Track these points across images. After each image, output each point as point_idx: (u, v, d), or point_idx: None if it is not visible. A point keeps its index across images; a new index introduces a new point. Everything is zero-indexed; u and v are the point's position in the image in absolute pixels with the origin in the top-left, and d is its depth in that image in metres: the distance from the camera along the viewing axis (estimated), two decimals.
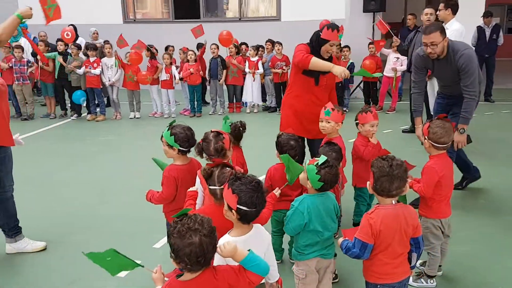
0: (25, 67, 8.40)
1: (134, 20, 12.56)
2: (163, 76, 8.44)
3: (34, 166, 5.76)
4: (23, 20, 3.23)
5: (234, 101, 9.05)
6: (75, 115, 8.56)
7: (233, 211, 1.96)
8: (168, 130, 2.79)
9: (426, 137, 2.87)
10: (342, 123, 3.47)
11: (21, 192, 3.67)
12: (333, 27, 3.75)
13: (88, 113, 8.52)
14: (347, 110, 8.82)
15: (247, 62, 8.72)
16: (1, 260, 3.47)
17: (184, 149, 2.78)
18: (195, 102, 8.69)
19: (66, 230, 3.91)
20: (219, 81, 8.69)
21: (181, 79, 8.52)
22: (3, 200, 3.39)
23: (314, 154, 4.04)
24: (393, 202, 2.15)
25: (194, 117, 8.58)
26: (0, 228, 3.50)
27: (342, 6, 10.76)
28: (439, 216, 2.88)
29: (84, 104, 8.42)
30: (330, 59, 3.92)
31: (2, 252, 3.53)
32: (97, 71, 8.07)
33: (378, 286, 2.21)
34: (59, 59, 8.28)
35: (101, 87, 8.31)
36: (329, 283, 2.63)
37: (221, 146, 2.69)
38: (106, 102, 8.73)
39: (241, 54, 9.00)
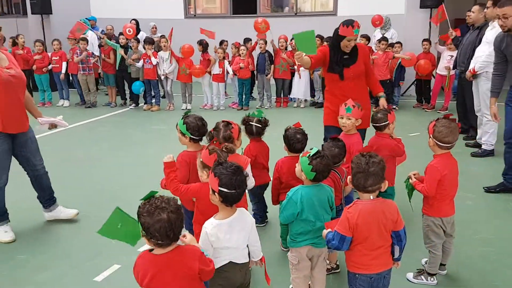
0: (90, 58, 9.13)
1: (194, 15, 13.07)
2: (216, 70, 8.78)
3: (86, 148, 6.35)
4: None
5: (282, 95, 9.23)
6: (133, 104, 9.18)
7: (216, 193, 2.17)
8: (182, 119, 3.05)
9: (431, 135, 2.91)
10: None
11: (67, 169, 4.11)
12: (348, 23, 3.97)
13: (144, 103, 9.10)
14: (396, 108, 8.69)
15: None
16: (30, 231, 3.86)
17: (194, 137, 3.03)
18: (243, 96, 8.97)
19: (98, 206, 4.21)
20: (266, 76, 8.90)
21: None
22: (36, 177, 3.80)
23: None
24: (371, 197, 2.25)
25: (241, 110, 8.87)
26: (37, 199, 3.95)
27: (402, 1, 10.52)
28: (440, 214, 2.91)
29: (142, 95, 9.02)
30: (353, 54, 4.11)
31: (33, 224, 3.97)
32: (154, 61, 8.58)
33: (357, 276, 2.32)
34: (121, 51, 8.90)
35: (157, 79, 8.84)
36: (323, 270, 2.77)
37: (228, 134, 2.91)
38: (161, 94, 9.26)
39: (292, 49, 9.16)
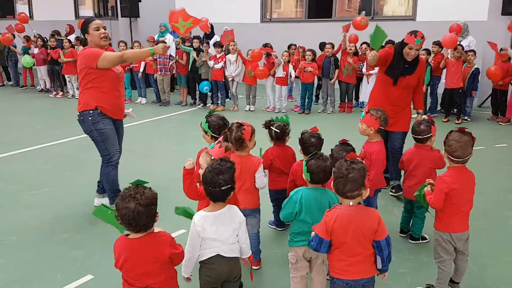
0: (168, 60, 9.78)
1: (270, 20, 13.35)
2: (279, 73, 8.95)
3: (149, 141, 6.84)
4: (155, 55, 4.09)
5: (346, 100, 9.13)
6: (201, 104, 9.66)
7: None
8: (205, 118, 3.26)
9: (444, 148, 2.82)
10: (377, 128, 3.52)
11: (127, 159, 4.46)
12: (413, 32, 4.26)
13: (211, 103, 9.53)
14: (468, 119, 8.20)
15: (365, 63, 8.74)
16: (79, 213, 4.24)
17: (216, 135, 3.22)
18: (306, 100, 9.02)
19: None
20: (330, 80, 8.87)
21: (297, 77, 8.97)
22: (108, 168, 4.13)
23: (391, 144, 4.59)
24: (351, 203, 2.26)
25: (303, 114, 8.93)
26: (97, 182, 4.36)
27: (485, 7, 9.87)
28: (449, 230, 2.80)
29: (209, 94, 9.47)
30: (413, 65, 4.38)
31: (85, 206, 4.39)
32: (219, 65, 8.98)
33: (334, 280, 2.35)
34: (193, 54, 9.43)
35: (224, 80, 9.22)
36: (321, 273, 2.79)
37: (239, 136, 3.05)
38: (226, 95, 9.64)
39: (360, 53, 9.05)
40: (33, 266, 3.33)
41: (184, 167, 2.71)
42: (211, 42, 10.22)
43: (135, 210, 1.93)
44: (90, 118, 3.94)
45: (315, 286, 2.85)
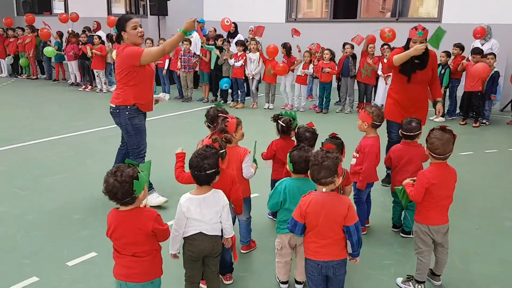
0: (192, 58, 10.08)
1: (295, 20, 13.49)
2: (299, 72, 9.11)
3: (164, 137, 7.12)
4: (187, 32, 4.17)
5: (365, 101, 9.19)
6: (222, 101, 9.91)
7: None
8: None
9: (426, 147, 2.94)
10: (371, 123, 3.66)
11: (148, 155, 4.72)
12: (414, 27, 4.42)
13: (232, 101, 9.78)
14: (487, 123, 8.13)
15: (380, 64, 8.78)
16: (88, 201, 4.57)
17: (210, 125, 3.46)
18: (324, 99, 9.14)
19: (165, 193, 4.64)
20: (351, 77, 8.96)
21: (316, 77, 9.10)
22: (138, 159, 4.32)
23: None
24: (324, 190, 2.43)
25: (320, 113, 9.05)
26: None
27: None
28: (427, 222, 2.92)
29: (230, 91, 9.71)
30: (424, 60, 4.48)
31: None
32: (239, 63, 9.21)
33: (307, 261, 2.52)
34: (216, 51, 9.69)
35: (244, 78, 9.45)
36: (304, 257, 2.96)
37: (222, 128, 3.22)
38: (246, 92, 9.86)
39: (382, 55, 9.09)
40: (45, 242, 3.63)
41: (176, 153, 2.95)
42: (234, 40, 10.46)
43: (112, 185, 2.17)
44: (127, 113, 4.13)
45: (298, 271, 3.03)
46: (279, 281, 3.07)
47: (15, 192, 4.66)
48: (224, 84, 9.46)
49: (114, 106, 4.17)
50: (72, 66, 11.91)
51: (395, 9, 12.17)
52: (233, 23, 11.24)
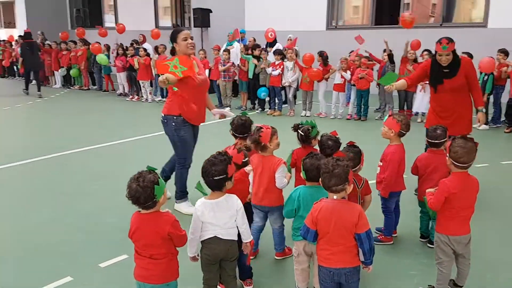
0: (231, 67, 10.30)
1: (335, 27, 13.45)
2: (337, 79, 9.09)
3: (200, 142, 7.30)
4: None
5: (405, 108, 9.01)
6: (260, 109, 10.06)
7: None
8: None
9: (448, 154, 2.89)
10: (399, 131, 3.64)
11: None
12: (438, 40, 4.40)
13: (269, 108, 9.89)
14: None
15: None
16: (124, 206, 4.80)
17: (235, 134, 3.60)
18: (362, 107, 9.05)
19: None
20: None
21: (353, 84, 9.04)
22: (182, 170, 4.51)
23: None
24: (335, 197, 2.46)
25: (358, 121, 8.97)
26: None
27: None
28: (447, 232, 2.87)
29: (267, 99, 9.84)
30: (453, 68, 4.44)
31: None
32: (277, 72, 9.32)
33: (320, 268, 2.56)
34: (254, 61, 9.86)
35: (281, 86, 9.54)
36: None
37: (255, 138, 3.32)
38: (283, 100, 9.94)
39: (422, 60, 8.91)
40: (80, 244, 3.87)
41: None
42: (273, 49, 10.58)
43: (135, 189, 2.31)
44: (173, 124, 4.29)
45: (316, 278, 3.05)
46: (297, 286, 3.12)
47: (57, 197, 4.97)
48: (262, 93, 9.59)
49: (163, 115, 4.37)
50: (121, 77, 12.47)
51: (441, 14, 11.86)
52: (273, 32, 11.38)
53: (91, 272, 3.41)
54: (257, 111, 10.11)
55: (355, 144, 3.27)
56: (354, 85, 9.04)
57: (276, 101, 9.76)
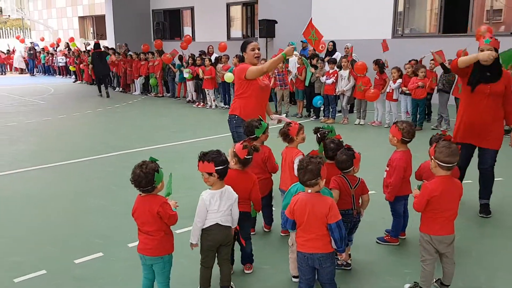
0: (287, 76, 10.69)
1: (402, 35, 13.28)
2: (388, 88, 9.10)
3: None
4: (287, 57, 4.74)
5: None
6: (314, 117, 10.32)
7: (213, 174, 3.07)
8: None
9: (432, 157, 3.04)
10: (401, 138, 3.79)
11: None
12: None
13: (323, 116, 10.11)
14: None
15: None
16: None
17: (246, 134, 4.03)
18: (417, 116, 8.95)
19: None
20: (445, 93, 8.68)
21: (408, 93, 8.99)
22: None
23: (481, 162, 4.61)
24: (309, 191, 2.75)
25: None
26: None
27: None
28: (429, 232, 3.01)
29: (322, 107, 10.08)
30: (496, 74, 4.32)
31: None
32: (330, 80, 9.54)
33: (298, 253, 2.86)
34: (311, 69, 10.15)
35: (335, 94, 9.73)
36: None
37: (284, 131, 3.84)
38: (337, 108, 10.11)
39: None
40: (118, 228, 4.45)
41: None
42: (336, 57, 10.79)
43: (138, 174, 2.79)
44: (234, 122, 4.76)
45: (292, 265, 3.37)
46: (292, 275, 3.41)
47: (111, 188, 5.68)
48: (318, 101, 9.85)
49: (228, 115, 4.91)
50: (190, 86, 13.39)
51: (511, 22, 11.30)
52: (332, 41, 11.60)
53: (120, 251, 3.97)
54: (311, 118, 10.37)
55: (350, 147, 3.50)
56: (408, 93, 8.96)
57: (330, 109, 9.95)
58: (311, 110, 10.59)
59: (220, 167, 3.02)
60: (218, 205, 3.07)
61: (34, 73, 24.40)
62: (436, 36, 12.57)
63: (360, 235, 3.99)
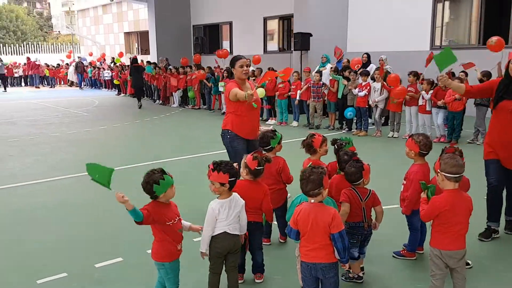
0: (321, 89, 10.69)
1: (440, 47, 12.96)
2: (420, 101, 8.91)
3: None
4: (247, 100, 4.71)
5: None
6: (346, 129, 10.23)
7: (225, 185, 3.14)
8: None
9: (438, 171, 2.99)
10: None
11: None
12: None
13: (355, 128, 10.01)
14: None
15: None
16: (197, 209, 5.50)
17: (260, 145, 4.09)
18: (453, 129, 8.69)
19: None
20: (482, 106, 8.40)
21: (444, 107, 8.76)
22: None
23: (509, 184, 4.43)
24: (312, 201, 2.77)
25: (446, 143, 8.63)
26: None
27: None
28: (439, 246, 2.95)
29: (354, 119, 9.98)
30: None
31: None
32: (363, 93, 9.45)
33: (301, 263, 2.87)
34: (344, 81, 10.12)
35: (367, 106, 9.62)
36: None
37: (307, 142, 3.90)
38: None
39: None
40: (142, 233, 4.60)
41: None
42: (369, 69, 10.69)
43: (143, 183, 2.99)
44: (228, 136, 4.88)
45: (299, 275, 3.32)
46: (301, 285, 3.40)
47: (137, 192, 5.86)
48: (348, 112, 9.77)
49: (221, 130, 5.02)
50: (222, 98, 13.64)
51: None
52: (366, 53, 11.51)
53: (139, 255, 4.10)
54: (344, 130, 10.29)
55: (359, 159, 3.48)
56: (444, 107, 8.72)
57: (362, 121, 9.83)
58: (344, 122, 10.50)
59: (233, 179, 3.13)
60: (226, 214, 3.14)
61: (82, 87, 25.56)
62: (475, 47, 12.19)
63: (376, 248, 3.95)
